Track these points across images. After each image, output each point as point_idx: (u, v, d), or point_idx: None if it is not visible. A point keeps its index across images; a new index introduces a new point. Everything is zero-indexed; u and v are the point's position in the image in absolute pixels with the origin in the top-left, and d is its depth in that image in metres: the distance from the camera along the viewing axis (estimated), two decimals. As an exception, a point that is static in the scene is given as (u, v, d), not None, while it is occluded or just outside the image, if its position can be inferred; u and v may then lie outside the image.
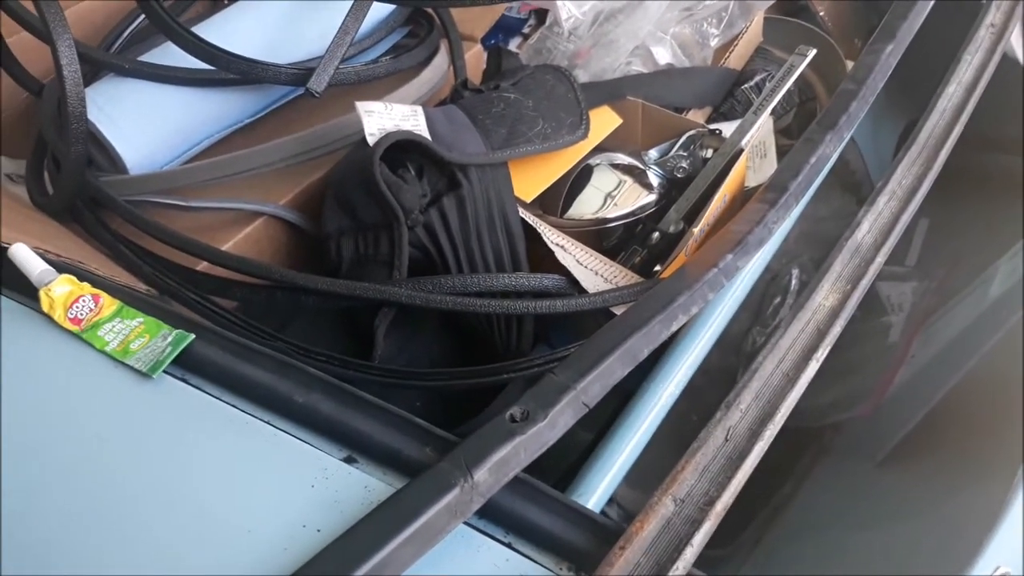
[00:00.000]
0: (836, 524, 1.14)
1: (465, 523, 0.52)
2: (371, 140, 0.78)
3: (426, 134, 0.82)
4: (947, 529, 0.91)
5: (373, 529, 0.48)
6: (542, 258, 0.84)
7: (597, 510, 0.67)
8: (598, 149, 0.94)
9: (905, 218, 0.76)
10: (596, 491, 0.66)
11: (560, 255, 0.81)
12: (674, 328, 0.67)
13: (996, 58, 0.90)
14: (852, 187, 1.36)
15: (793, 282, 1.16)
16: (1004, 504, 0.67)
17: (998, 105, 1.37)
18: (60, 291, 0.63)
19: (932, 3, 0.97)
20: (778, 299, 1.15)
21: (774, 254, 1.23)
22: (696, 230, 0.80)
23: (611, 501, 0.83)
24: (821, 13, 1.21)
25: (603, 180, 0.94)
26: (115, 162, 0.90)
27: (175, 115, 0.93)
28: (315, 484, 0.53)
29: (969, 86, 0.88)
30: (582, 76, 1.04)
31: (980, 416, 1.05)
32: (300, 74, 0.88)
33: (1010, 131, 1.49)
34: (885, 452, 1.19)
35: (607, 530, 0.52)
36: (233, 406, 0.58)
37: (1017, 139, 1.53)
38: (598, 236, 0.93)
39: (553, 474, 0.76)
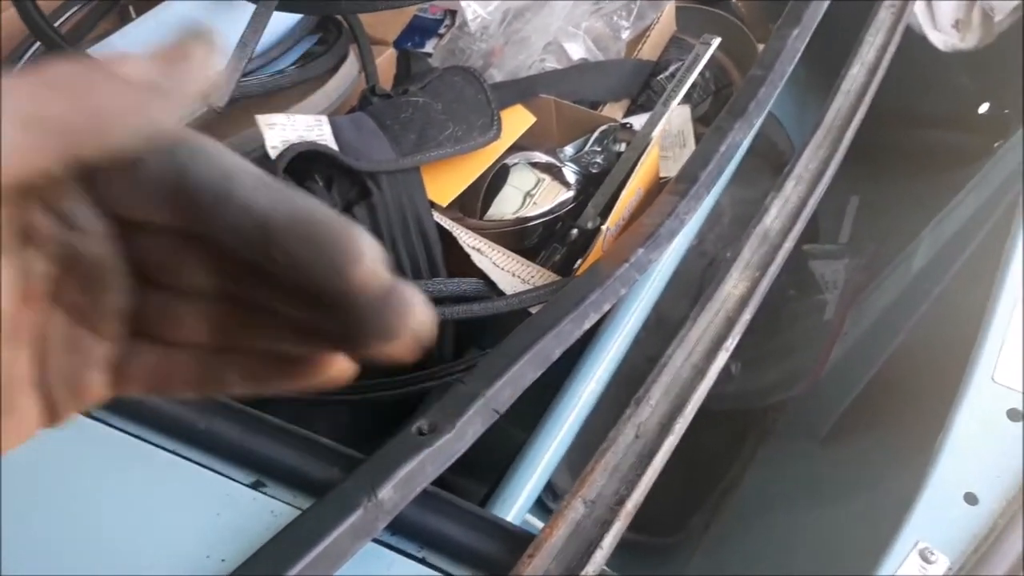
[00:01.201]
0: (784, 504, 1.16)
1: (376, 540, 0.52)
2: (273, 153, 0.77)
3: (332, 144, 0.80)
4: (893, 500, 0.93)
5: (274, 555, 0.47)
6: (460, 263, 0.83)
7: (524, 512, 0.66)
8: (514, 148, 0.94)
9: (812, 201, 0.77)
10: (521, 495, 0.66)
11: (476, 259, 0.81)
12: (586, 326, 0.67)
13: (897, 37, 0.92)
14: (781, 168, 1.37)
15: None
16: (921, 478, 0.68)
17: (913, 82, 1.40)
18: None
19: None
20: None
21: (709, 240, 1.24)
22: (609, 226, 0.80)
23: (548, 488, 0.83)
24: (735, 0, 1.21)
25: (521, 179, 0.94)
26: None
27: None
28: (220, 512, 0.52)
29: (872, 66, 0.89)
30: (496, 75, 1.04)
31: (912, 388, 1.06)
32: (202, 89, 0.86)
33: (926, 106, 1.52)
34: (826, 430, 1.21)
35: (519, 538, 0.52)
36: (136, 436, 0.57)
37: (936, 114, 1.57)
38: (520, 236, 0.92)
39: (490, 474, 0.76)
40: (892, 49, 0.89)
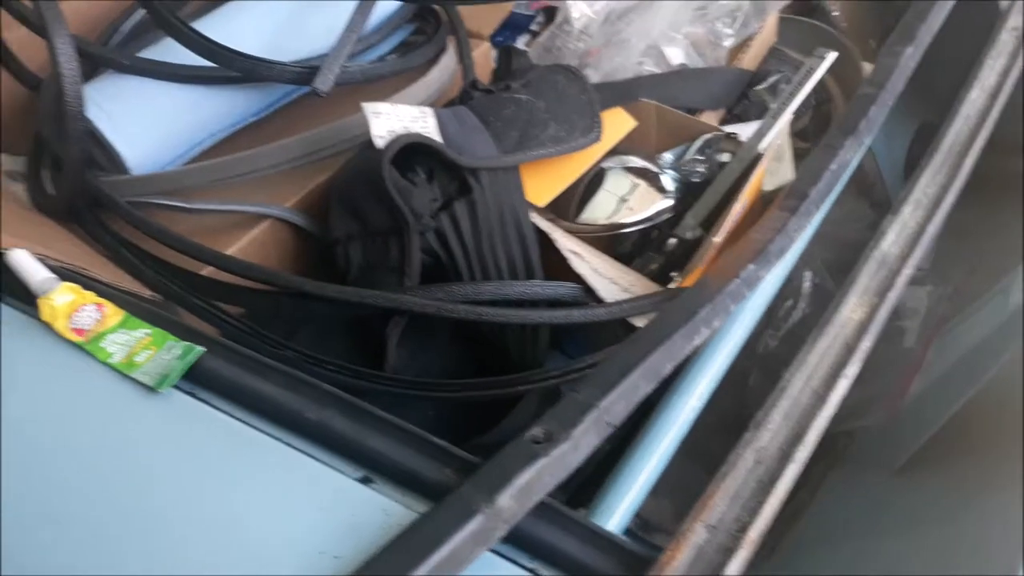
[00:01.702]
0: (852, 532, 1.13)
1: (489, 550, 0.50)
2: (378, 143, 0.76)
3: (437, 136, 0.79)
4: (970, 538, 0.90)
5: (397, 558, 0.46)
6: (556, 265, 0.81)
7: (620, 530, 0.64)
8: (611, 152, 0.92)
9: (931, 228, 0.74)
10: (618, 510, 0.64)
11: (575, 262, 0.79)
12: (697, 342, 0.65)
13: (1019, 62, 0.88)
14: (864, 189, 1.34)
15: (806, 285, 1.14)
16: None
17: (1016, 107, 1.35)
18: (62, 300, 0.61)
19: (952, 4, 0.95)
20: (790, 302, 1.13)
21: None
22: (717, 239, 0.78)
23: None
24: (836, 13, 1.18)
25: (616, 184, 0.92)
26: (116, 162, 0.87)
27: (177, 114, 0.91)
28: (331, 507, 0.51)
29: (993, 91, 0.86)
30: (593, 76, 1.02)
31: (1000, 426, 1.03)
32: (304, 73, 0.85)
33: (1014, 132, 1.47)
34: (902, 460, 1.17)
35: (636, 558, 0.50)
36: (243, 422, 0.56)
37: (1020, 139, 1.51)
38: (611, 241, 0.91)
39: (565, 487, 0.74)
40: (1015, 74, 0.86)
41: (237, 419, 0.56)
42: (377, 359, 0.77)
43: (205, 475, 0.54)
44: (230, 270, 0.78)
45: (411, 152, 0.79)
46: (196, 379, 0.58)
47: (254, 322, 0.77)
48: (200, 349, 0.58)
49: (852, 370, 0.62)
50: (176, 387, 0.58)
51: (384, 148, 0.75)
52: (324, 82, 0.83)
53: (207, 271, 0.80)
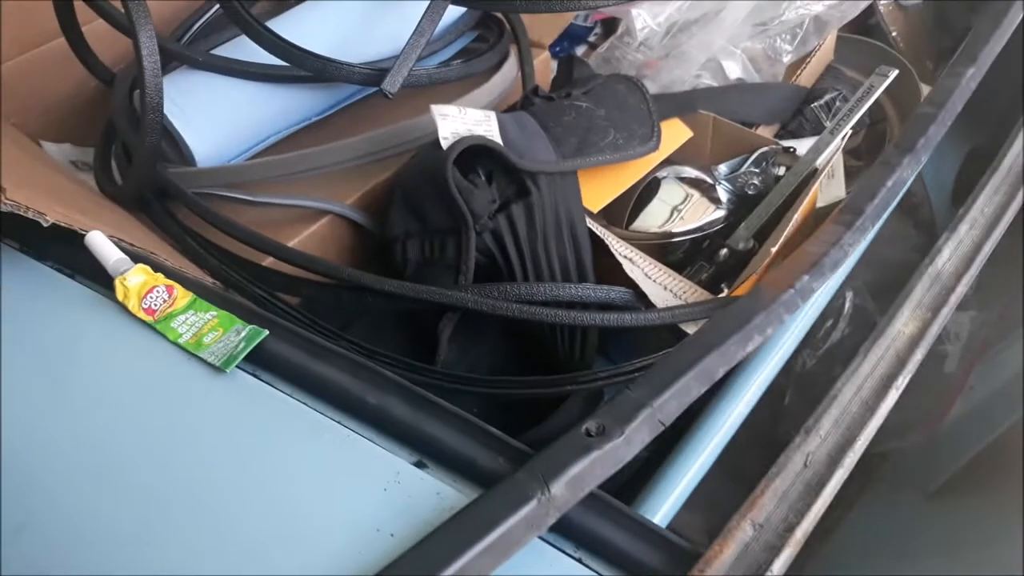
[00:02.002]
0: (884, 553, 1.12)
1: (539, 537, 0.52)
2: (445, 144, 0.78)
3: (498, 140, 0.81)
4: (1003, 565, 0.89)
5: (452, 537, 0.47)
6: (608, 270, 0.83)
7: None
8: (666, 162, 0.93)
9: (987, 248, 0.74)
10: (663, 508, 0.65)
11: (628, 267, 0.80)
12: (750, 349, 0.66)
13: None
14: (910, 209, 1.33)
15: (847, 305, 1.14)
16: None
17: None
18: (135, 281, 0.63)
19: (1016, 26, 0.95)
20: (830, 322, 1.13)
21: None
22: (773, 249, 0.79)
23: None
24: (894, 33, 1.18)
25: (670, 193, 0.93)
26: (184, 154, 0.90)
27: (245, 110, 0.94)
28: (387, 488, 0.53)
29: (1055, 113, 0.86)
30: (651, 87, 1.03)
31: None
32: (374, 74, 0.87)
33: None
34: (938, 484, 1.16)
35: (682, 551, 0.51)
36: (305, 404, 0.58)
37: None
38: (663, 250, 0.92)
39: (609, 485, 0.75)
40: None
41: (299, 401, 0.58)
42: (428, 354, 0.79)
43: (266, 452, 0.56)
44: (292, 261, 0.80)
45: (473, 154, 0.80)
46: (259, 361, 0.60)
47: (311, 314, 0.79)
48: (264, 332, 0.60)
49: (902, 382, 0.62)
50: (241, 368, 0.60)
51: (448, 149, 0.77)
52: (392, 84, 0.85)
53: (268, 262, 0.83)
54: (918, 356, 0.64)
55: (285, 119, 0.96)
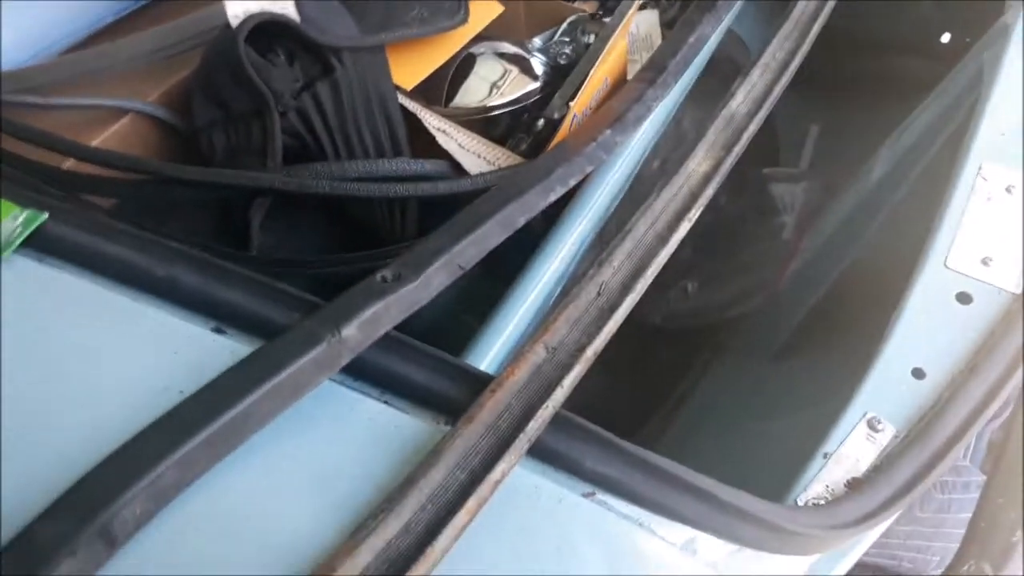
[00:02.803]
0: (734, 416, 1.18)
1: (341, 384, 0.52)
2: (235, 23, 0.75)
3: (295, 17, 0.79)
4: (833, 411, 0.95)
5: (235, 381, 0.47)
6: (425, 147, 0.82)
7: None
8: (481, 39, 0.93)
9: (777, 90, 0.77)
10: (489, 353, 0.66)
11: (442, 139, 0.80)
12: (552, 198, 0.67)
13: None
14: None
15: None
16: (874, 355, 0.70)
17: (876, 8, 1.40)
18: None
19: None
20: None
21: (673, 160, 1.24)
22: (576, 109, 0.80)
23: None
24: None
25: (488, 70, 0.93)
26: (-36, 61, 0.84)
27: (35, 10, 0.88)
28: (178, 351, 0.52)
29: (841, -35, 0.90)
30: (463, -33, 1.02)
31: (863, 302, 1.08)
32: (161, -40, 0.83)
33: (888, 33, 1.53)
34: (778, 346, 1.23)
35: (482, 379, 0.52)
36: (91, 283, 0.56)
37: (897, 41, 1.57)
38: (485, 126, 0.92)
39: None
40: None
41: (85, 280, 0.56)
42: (246, 246, 0.77)
43: (52, 331, 0.54)
44: (91, 160, 0.76)
45: (271, 36, 0.78)
46: (42, 246, 0.57)
47: (123, 217, 0.76)
48: (43, 215, 0.58)
49: (694, 214, 0.64)
50: (23, 255, 0.57)
51: (239, 26, 0.74)
52: (178, -33, 0.81)
53: (68, 164, 0.79)
54: (710, 191, 0.67)
55: (76, 20, 0.91)
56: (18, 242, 0.56)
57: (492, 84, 0.93)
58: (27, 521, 0.40)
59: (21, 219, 0.58)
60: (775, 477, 0.69)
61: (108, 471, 0.42)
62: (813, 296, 1.21)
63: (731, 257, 1.40)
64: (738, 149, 0.71)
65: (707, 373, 1.34)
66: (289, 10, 0.79)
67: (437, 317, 0.71)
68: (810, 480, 0.61)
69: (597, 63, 0.83)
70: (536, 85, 0.90)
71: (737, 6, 0.93)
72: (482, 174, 0.77)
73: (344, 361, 0.50)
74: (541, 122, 0.88)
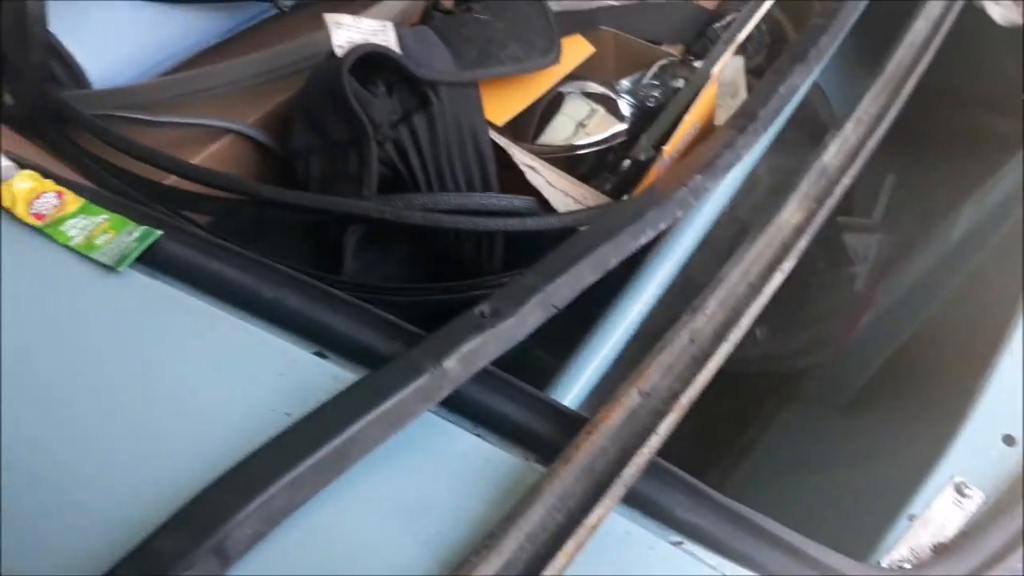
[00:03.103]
0: (800, 467, 1.16)
1: (436, 414, 0.53)
2: (339, 52, 0.77)
3: (396, 50, 0.81)
4: (906, 466, 0.93)
5: (342, 409, 0.48)
6: (513, 183, 0.83)
7: (575, 407, 0.67)
8: (570, 78, 0.94)
9: (871, 144, 0.77)
10: (575, 388, 0.67)
11: (531, 176, 0.81)
12: (642, 241, 0.68)
13: (962, -2, 0.92)
14: (822, 140, 1.37)
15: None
16: (961, 420, 0.69)
17: (958, 61, 1.39)
18: (22, 186, 0.62)
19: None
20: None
21: (744, 206, 1.24)
22: (666, 152, 0.80)
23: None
24: (794, -44, 1.21)
25: (574, 108, 0.94)
26: (78, 76, 0.88)
27: (141, 31, 0.91)
28: (284, 373, 0.53)
29: (936, 22, 0.89)
30: (554, 6, 1.04)
31: (941, 358, 1.06)
32: (269, -11, 0.86)
33: (970, 87, 1.51)
34: (848, 398, 1.21)
35: (574, 420, 0.53)
36: (200, 300, 0.58)
37: (979, 96, 1.55)
38: (569, 164, 0.93)
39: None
40: (957, 7, 0.89)
41: (194, 297, 0.58)
42: (337, 270, 0.79)
43: (161, 346, 0.56)
44: (192, 178, 0.79)
45: (371, 66, 0.80)
46: (155, 262, 0.60)
47: (218, 235, 0.78)
48: (158, 232, 0.60)
49: (787, 265, 0.65)
50: (136, 269, 0.59)
51: (344, 56, 0.77)
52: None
53: (170, 181, 0.81)
54: (803, 243, 0.67)
55: (183, 41, 0.94)
56: (133, 257, 0.59)
57: (578, 123, 0.94)
58: (145, 534, 0.42)
59: (136, 234, 0.60)
60: (848, 533, 0.68)
61: (223, 490, 0.43)
62: (887, 350, 1.19)
63: (802, 305, 1.39)
64: (831, 202, 0.71)
65: (774, 422, 1.32)
66: (391, 43, 0.81)
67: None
68: (894, 542, 0.60)
69: (692, 107, 0.84)
70: (623, 127, 0.91)
71: (827, 58, 0.93)
72: (570, 212, 0.78)
73: (444, 393, 0.51)
74: (627, 162, 0.89)
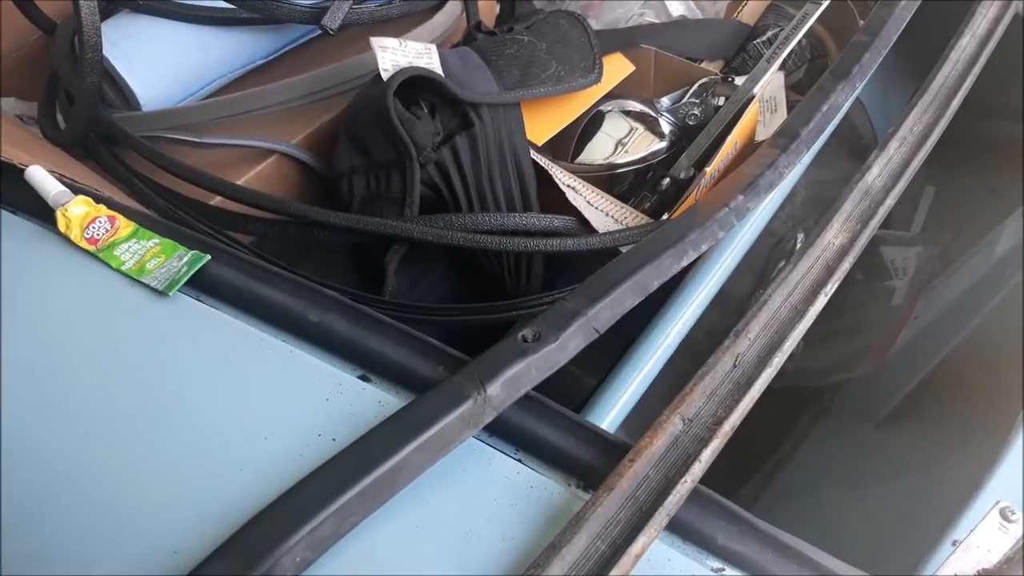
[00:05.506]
0: (834, 482, 1.15)
1: (478, 439, 0.53)
2: (385, 76, 0.79)
3: (440, 72, 0.82)
4: (943, 484, 0.92)
5: (388, 435, 0.48)
6: (552, 202, 0.84)
7: (612, 429, 0.67)
8: (610, 96, 0.95)
9: (915, 164, 0.76)
10: (611, 411, 0.67)
11: (571, 196, 0.82)
12: (684, 263, 0.68)
13: (1010, 12, 0.90)
14: (859, 152, 1.35)
15: (798, 246, 1.16)
16: (1005, 443, 0.68)
17: (1004, 71, 1.37)
18: (76, 211, 0.64)
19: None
20: (782, 263, 1.15)
21: (780, 218, 1.23)
22: (708, 172, 0.80)
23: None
24: (836, -30, 1.20)
25: (614, 127, 0.94)
26: (128, 98, 0.90)
27: (188, 53, 0.93)
28: (330, 398, 0.54)
29: (983, 38, 0.88)
30: (594, 25, 1.04)
31: (980, 377, 1.05)
32: (315, 12, 0.88)
33: (1010, 98, 1.48)
34: (885, 413, 1.20)
35: (616, 446, 0.53)
36: (247, 324, 0.59)
37: (1019, 107, 1.53)
38: (609, 182, 0.93)
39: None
40: (1005, 23, 0.88)
41: (241, 321, 0.59)
42: (377, 287, 0.80)
43: (210, 369, 0.57)
44: (238, 199, 0.81)
45: (415, 88, 0.81)
46: (203, 286, 0.61)
47: (262, 251, 0.79)
48: (206, 257, 0.61)
49: (831, 288, 0.64)
50: (184, 292, 0.61)
51: (388, 80, 0.78)
52: (333, 20, 0.86)
53: (216, 201, 0.83)
54: (846, 265, 0.67)
55: (229, 63, 0.96)
56: (183, 281, 0.60)
57: (618, 141, 0.94)
58: (196, 561, 0.43)
59: (186, 259, 0.61)
60: (887, 555, 0.67)
61: (273, 518, 0.44)
62: (926, 366, 1.17)
63: (837, 317, 1.37)
64: (874, 223, 0.71)
65: (809, 436, 1.31)
66: (435, 65, 0.82)
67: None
68: (938, 566, 0.60)
69: (735, 126, 0.84)
70: (663, 145, 0.91)
71: (870, 75, 0.92)
72: (610, 232, 0.78)
73: (488, 419, 0.51)
74: (667, 181, 0.89)
